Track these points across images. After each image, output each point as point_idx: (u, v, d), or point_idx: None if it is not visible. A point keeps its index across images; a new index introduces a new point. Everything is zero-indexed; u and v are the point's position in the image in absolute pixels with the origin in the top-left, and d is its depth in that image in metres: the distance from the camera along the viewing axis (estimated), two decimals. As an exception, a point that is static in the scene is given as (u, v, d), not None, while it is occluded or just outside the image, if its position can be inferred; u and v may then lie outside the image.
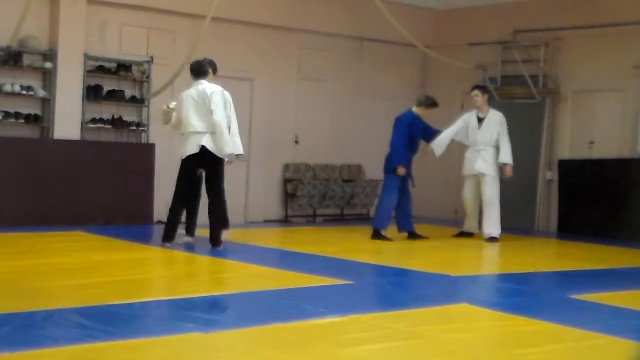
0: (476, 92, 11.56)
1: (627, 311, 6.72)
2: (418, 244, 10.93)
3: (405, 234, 11.27)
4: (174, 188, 9.50)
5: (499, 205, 11.37)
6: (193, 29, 11.97)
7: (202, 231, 9.65)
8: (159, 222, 12.19)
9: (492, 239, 11.25)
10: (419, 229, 11.45)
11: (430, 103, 11.36)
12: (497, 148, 11.46)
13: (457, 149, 12.14)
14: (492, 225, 11.33)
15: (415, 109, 11.36)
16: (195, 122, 9.27)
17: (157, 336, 5.17)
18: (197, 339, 5.14)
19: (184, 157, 9.41)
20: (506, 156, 11.36)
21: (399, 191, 11.17)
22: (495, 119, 11.48)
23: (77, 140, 11.47)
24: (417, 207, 15.21)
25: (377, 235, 11.08)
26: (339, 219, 14.26)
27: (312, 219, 13.95)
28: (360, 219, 14.50)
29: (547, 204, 13.63)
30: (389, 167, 11.19)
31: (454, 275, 8.33)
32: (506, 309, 6.48)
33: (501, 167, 11.42)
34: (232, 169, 13.28)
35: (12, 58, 10.96)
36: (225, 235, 9.41)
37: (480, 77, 14.02)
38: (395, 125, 11.27)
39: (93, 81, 11.71)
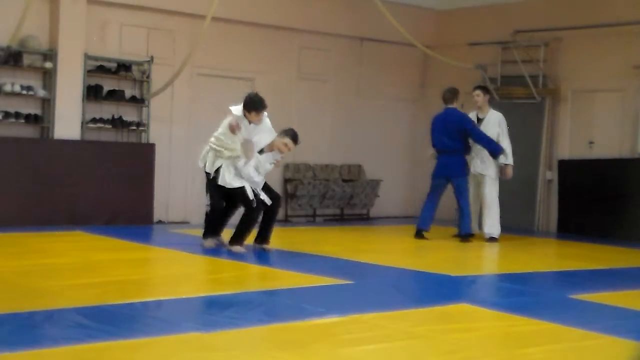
0: (478, 92, 11.55)
1: (627, 311, 6.71)
2: (418, 244, 10.93)
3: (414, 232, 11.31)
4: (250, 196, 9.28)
5: (498, 205, 11.37)
6: (193, 29, 11.97)
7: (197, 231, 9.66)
8: (159, 222, 12.21)
9: (492, 239, 11.25)
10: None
11: (456, 92, 11.42)
12: None
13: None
14: (492, 225, 11.33)
15: (455, 105, 11.34)
16: None
17: (157, 336, 5.16)
18: (197, 339, 5.14)
19: None
20: (507, 157, 11.36)
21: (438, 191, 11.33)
22: (495, 119, 11.48)
23: (77, 140, 11.47)
24: (417, 207, 15.23)
25: (467, 238, 11.14)
26: (339, 219, 14.26)
27: (312, 219, 13.95)
28: (360, 219, 14.51)
29: (547, 204, 13.63)
30: (464, 169, 11.25)
31: (454, 275, 8.33)
32: (506, 309, 6.48)
33: (502, 168, 11.41)
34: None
35: (12, 58, 10.97)
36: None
37: (480, 77, 14.03)
38: (467, 123, 11.26)
39: (93, 81, 11.72)
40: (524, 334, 5.72)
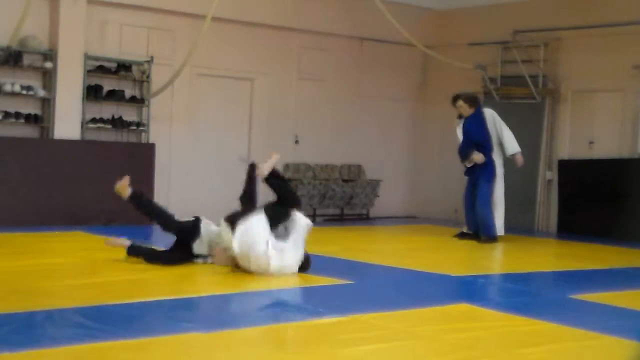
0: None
1: (627, 311, 6.71)
2: (418, 244, 10.93)
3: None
4: None
5: (503, 205, 11.37)
6: (193, 29, 11.96)
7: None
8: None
9: (490, 239, 11.21)
10: (419, 229, 11.44)
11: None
12: (498, 145, 11.43)
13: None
14: (498, 225, 11.30)
15: None
16: None
17: (157, 336, 5.16)
18: (197, 339, 5.14)
19: None
20: (512, 147, 11.32)
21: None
22: (487, 119, 11.42)
23: (77, 140, 11.48)
24: (417, 207, 15.27)
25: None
26: (339, 219, 14.26)
27: (312, 219, 13.89)
28: (360, 219, 14.51)
29: (547, 204, 13.63)
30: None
31: (454, 275, 8.33)
32: (506, 309, 6.48)
33: (512, 159, 11.43)
34: (232, 169, 13.32)
35: (12, 58, 10.97)
36: None
37: (480, 77, 14.03)
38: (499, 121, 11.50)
39: (93, 81, 11.72)
40: (524, 334, 5.72)
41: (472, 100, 11.42)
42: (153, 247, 8.45)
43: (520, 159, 11.43)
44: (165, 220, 8.22)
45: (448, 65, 13.94)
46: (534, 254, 10.72)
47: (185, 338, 5.15)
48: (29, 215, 10.85)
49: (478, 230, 11.39)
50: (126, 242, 8.22)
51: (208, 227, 8.10)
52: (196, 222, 8.12)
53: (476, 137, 11.22)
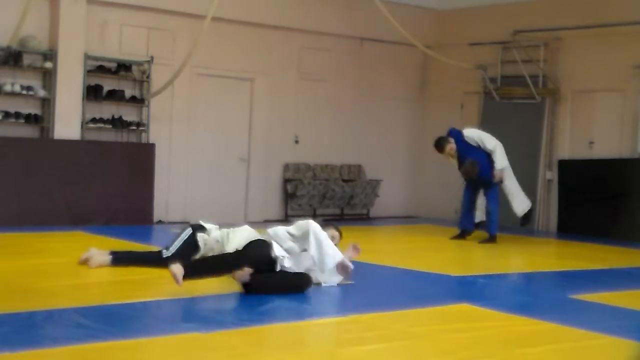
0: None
1: (627, 311, 6.72)
2: (418, 244, 10.92)
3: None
4: None
5: (520, 189, 11.39)
6: (193, 29, 11.96)
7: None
8: (159, 222, 12.22)
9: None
10: (418, 228, 11.44)
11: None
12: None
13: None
14: (520, 202, 11.37)
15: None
16: None
17: (157, 336, 5.16)
18: (197, 339, 5.14)
19: None
20: (500, 163, 11.13)
21: None
22: (472, 139, 11.28)
23: (77, 140, 11.47)
24: (417, 207, 15.27)
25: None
26: (339, 219, 14.24)
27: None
28: (360, 219, 14.51)
29: (547, 204, 13.63)
30: None
31: (454, 275, 8.33)
32: (506, 309, 6.48)
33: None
34: (233, 169, 13.33)
35: (12, 58, 10.97)
36: None
37: (480, 77, 14.03)
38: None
39: (93, 81, 11.72)
40: (524, 334, 5.72)
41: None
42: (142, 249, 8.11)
43: (499, 175, 11.26)
44: (154, 262, 7.34)
45: (448, 65, 13.94)
46: (534, 254, 10.72)
47: (185, 338, 5.15)
48: (29, 215, 10.84)
49: (469, 229, 11.40)
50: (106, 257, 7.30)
51: (209, 235, 7.67)
52: (192, 237, 7.30)
53: (485, 174, 11.16)
